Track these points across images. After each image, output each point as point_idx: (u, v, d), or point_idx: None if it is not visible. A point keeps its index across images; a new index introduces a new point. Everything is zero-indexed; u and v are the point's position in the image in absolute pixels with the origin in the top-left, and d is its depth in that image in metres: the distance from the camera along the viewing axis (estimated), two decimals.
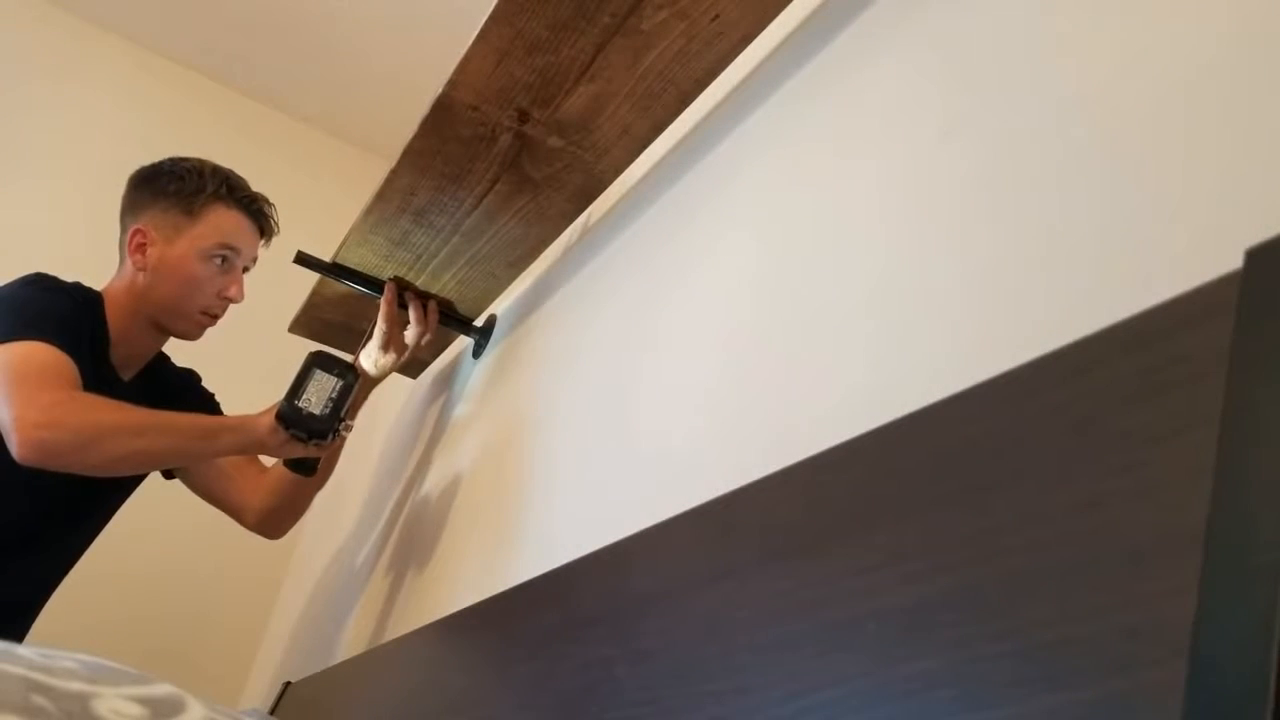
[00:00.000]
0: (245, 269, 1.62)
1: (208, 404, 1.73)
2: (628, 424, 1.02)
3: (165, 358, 1.70)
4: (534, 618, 0.89)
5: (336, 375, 1.40)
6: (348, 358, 1.55)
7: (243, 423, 1.41)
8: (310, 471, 1.54)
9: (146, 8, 2.69)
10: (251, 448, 1.45)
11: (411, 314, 1.67)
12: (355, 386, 1.42)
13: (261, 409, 1.42)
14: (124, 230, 1.59)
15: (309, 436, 1.39)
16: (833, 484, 0.58)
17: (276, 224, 1.66)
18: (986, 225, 0.64)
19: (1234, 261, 0.38)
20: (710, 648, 0.59)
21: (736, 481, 0.68)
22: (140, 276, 1.55)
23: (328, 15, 2.59)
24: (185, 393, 1.70)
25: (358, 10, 2.55)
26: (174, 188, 1.55)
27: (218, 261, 1.57)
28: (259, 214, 1.62)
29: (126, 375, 1.59)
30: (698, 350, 0.95)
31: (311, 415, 1.38)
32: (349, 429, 1.44)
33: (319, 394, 1.39)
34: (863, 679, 0.46)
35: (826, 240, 0.82)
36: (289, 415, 1.37)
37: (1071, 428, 0.43)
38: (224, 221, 1.57)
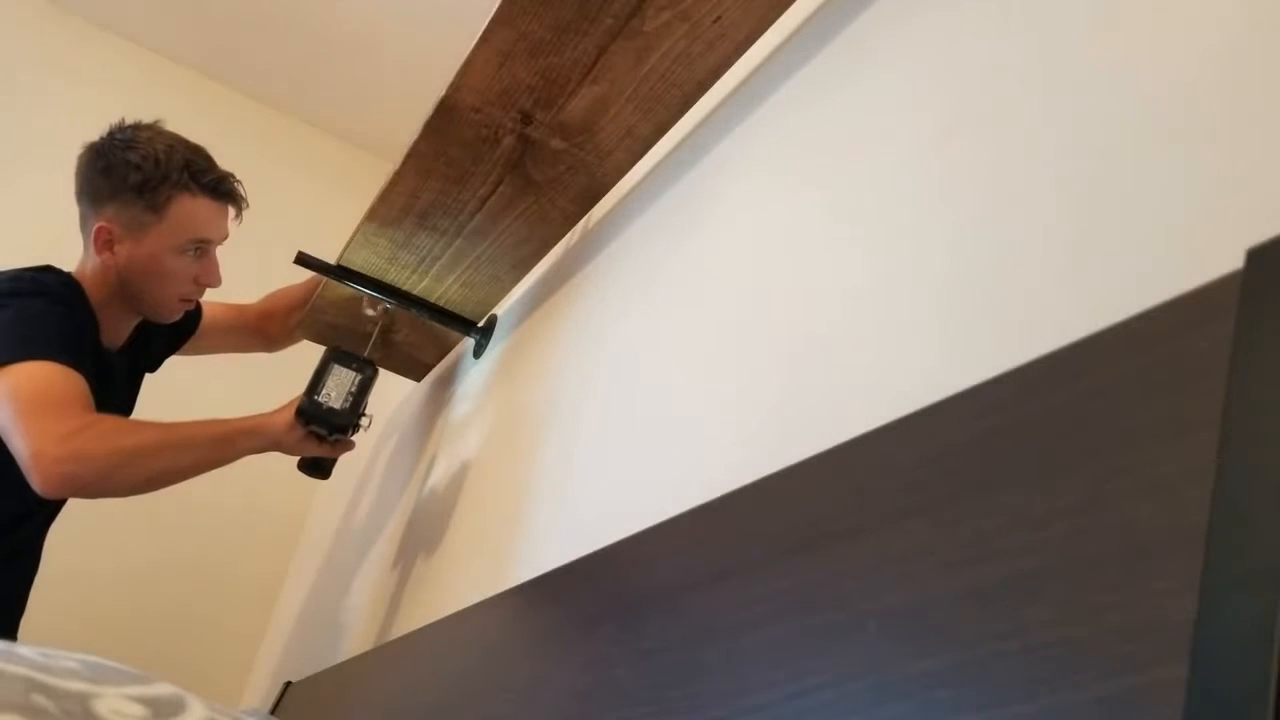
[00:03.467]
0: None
1: (191, 320, 1.75)
2: (629, 424, 1.02)
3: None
4: (535, 617, 0.90)
5: (355, 369, 1.41)
6: None
7: (259, 424, 1.41)
8: (326, 474, 1.54)
9: (146, 8, 2.70)
10: (269, 447, 1.45)
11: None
12: (374, 380, 1.42)
13: (269, 409, 1.43)
14: (84, 217, 1.53)
15: (330, 431, 1.40)
16: (833, 484, 0.58)
17: (245, 198, 1.60)
18: (987, 225, 0.64)
19: (1234, 261, 0.38)
20: (712, 647, 0.59)
21: (738, 481, 0.68)
22: (112, 273, 1.51)
23: (329, 15, 2.59)
24: (168, 331, 1.71)
25: (359, 10, 2.55)
26: (134, 180, 1.47)
27: (191, 252, 1.53)
28: (227, 195, 1.56)
29: (116, 348, 1.58)
30: (699, 351, 0.95)
31: (332, 410, 1.38)
32: (369, 421, 1.45)
33: (338, 388, 1.39)
34: (863, 679, 0.46)
35: (828, 240, 0.82)
36: (309, 410, 1.37)
37: (1071, 428, 0.43)
38: (192, 213, 1.51)
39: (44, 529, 1.58)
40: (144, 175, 1.48)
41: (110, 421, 1.35)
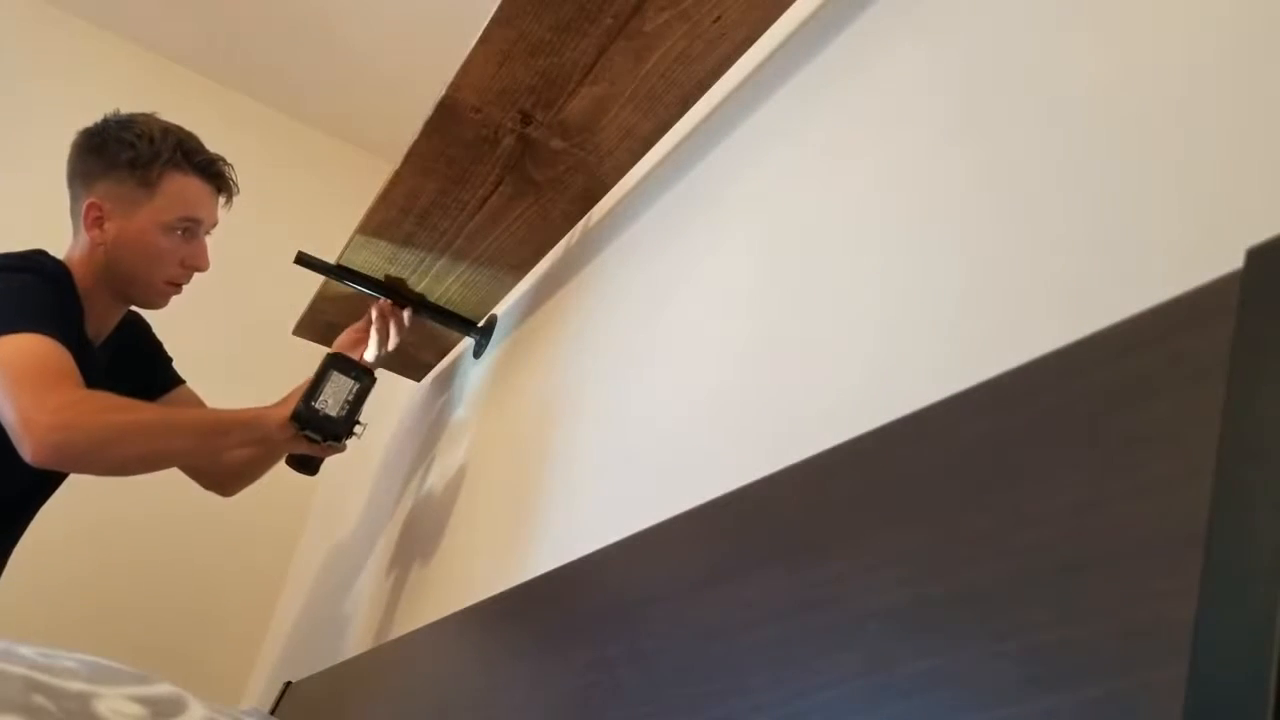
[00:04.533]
0: (206, 232, 1.59)
1: (159, 353, 1.73)
2: (629, 424, 1.02)
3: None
4: (536, 617, 0.90)
5: (353, 378, 1.42)
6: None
7: (254, 418, 1.41)
8: (313, 471, 1.54)
9: (146, 8, 2.69)
10: (261, 442, 1.46)
11: (392, 325, 1.66)
12: (371, 389, 1.43)
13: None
14: (75, 199, 1.53)
15: (324, 438, 1.41)
16: (833, 484, 0.58)
17: (236, 183, 1.60)
18: (987, 225, 0.64)
19: (1234, 261, 0.38)
20: (711, 648, 0.59)
21: (738, 481, 0.68)
22: (100, 251, 1.50)
23: (329, 15, 2.59)
24: (141, 343, 1.70)
25: (359, 10, 2.55)
26: (127, 156, 1.48)
27: (179, 233, 1.52)
28: (218, 176, 1.56)
29: (97, 342, 1.57)
30: (699, 350, 0.95)
31: (328, 417, 1.39)
32: (363, 429, 1.45)
33: (336, 396, 1.40)
34: (863, 679, 0.46)
35: (828, 240, 0.82)
36: (305, 416, 1.38)
37: (1071, 428, 0.43)
38: (184, 190, 1.51)
39: (17, 506, 1.57)
40: (137, 152, 1.49)
41: (105, 398, 1.34)
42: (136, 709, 0.56)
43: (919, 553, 0.47)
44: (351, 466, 2.28)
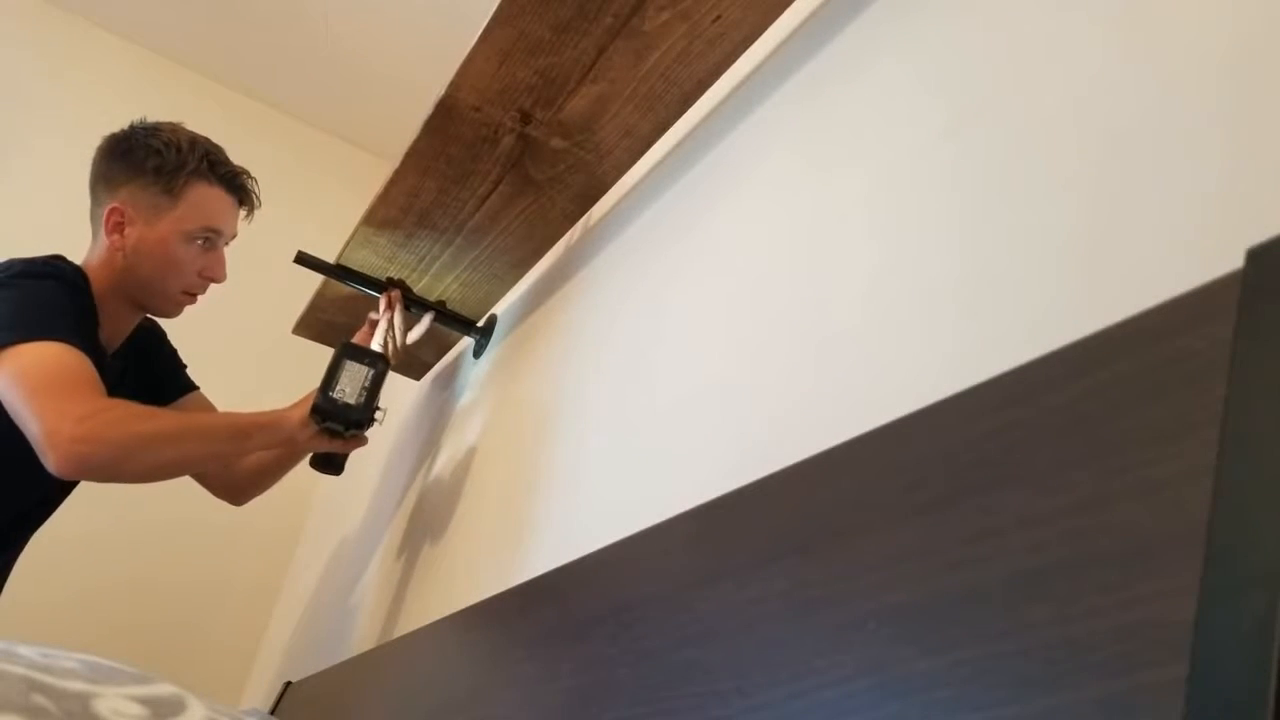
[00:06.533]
0: (225, 244, 1.59)
1: (173, 360, 1.73)
2: (629, 423, 1.02)
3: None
4: (535, 617, 0.90)
5: (368, 364, 1.41)
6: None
7: (274, 419, 1.41)
8: (338, 470, 1.53)
9: (146, 8, 2.69)
10: (282, 443, 1.45)
11: (397, 319, 1.65)
12: (386, 374, 1.42)
13: (276, 407, 1.43)
14: (96, 203, 1.53)
15: (346, 427, 1.40)
16: (833, 484, 0.58)
17: (258, 197, 1.61)
18: (987, 225, 0.64)
19: (1234, 261, 0.38)
20: (710, 648, 0.59)
21: (737, 481, 0.68)
22: (119, 256, 1.50)
23: (329, 16, 2.59)
24: (155, 350, 1.70)
25: (359, 10, 2.55)
26: (152, 164, 1.49)
27: (199, 242, 1.53)
28: (241, 189, 1.57)
29: (110, 349, 1.56)
30: (698, 350, 0.95)
31: (348, 405, 1.38)
32: (383, 415, 1.45)
33: (352, 384, 1.39)
34: (863, 679, 0.46)
35: (828, 240, 0.82)
36: (325, 407, 1.37)
37: (1071, 428, 0.43)
38: (207, 201, 1.52)
39: (30, 516, 1.57)
40: (163, 160, 1.49)
41: (127, 407, 1.34)
42: (137, 709, 0.56)
43: (919, 553, 0.47)
44: (351, 465, 2.28)
